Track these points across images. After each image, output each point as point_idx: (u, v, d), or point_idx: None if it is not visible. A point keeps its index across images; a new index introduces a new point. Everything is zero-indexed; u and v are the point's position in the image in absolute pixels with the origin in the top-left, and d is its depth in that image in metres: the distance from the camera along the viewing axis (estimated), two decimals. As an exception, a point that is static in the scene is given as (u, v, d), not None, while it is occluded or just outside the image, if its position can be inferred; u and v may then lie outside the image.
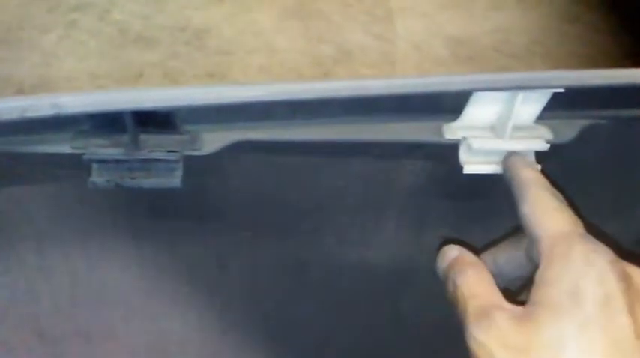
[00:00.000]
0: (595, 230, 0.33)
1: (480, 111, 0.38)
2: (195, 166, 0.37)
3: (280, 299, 0.52)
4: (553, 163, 0.38)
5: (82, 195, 0.42)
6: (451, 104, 0.39)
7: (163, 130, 0.35)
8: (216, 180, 0.42)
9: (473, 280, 0.34)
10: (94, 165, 0.34)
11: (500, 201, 0.49)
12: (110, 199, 0.42)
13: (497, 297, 0.32)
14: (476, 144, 0.38)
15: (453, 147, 0.40)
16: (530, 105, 0.37)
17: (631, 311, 0.29)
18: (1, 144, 0.35)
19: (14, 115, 0.29)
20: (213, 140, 0.36)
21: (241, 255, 0.49)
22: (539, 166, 0.38)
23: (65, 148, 0.34)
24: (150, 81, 1.11)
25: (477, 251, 0.37)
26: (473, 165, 0.39)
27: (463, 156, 0.39)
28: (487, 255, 0.38)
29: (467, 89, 0.36)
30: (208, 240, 0.47)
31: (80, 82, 1.10)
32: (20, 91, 1.08)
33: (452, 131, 0.39)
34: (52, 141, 0.35)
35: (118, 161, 0.34)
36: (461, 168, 0.40)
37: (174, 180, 0.35)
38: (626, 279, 0.30)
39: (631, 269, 0.31)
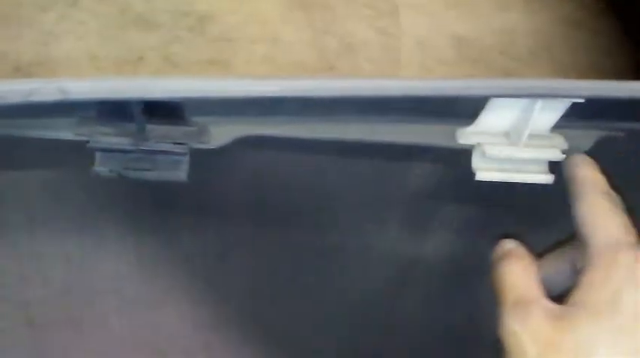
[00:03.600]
0: None
1: (496, 117, 0.37)
2: (199, 159, 0.36)
3: (277, 297, 0.51)
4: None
5: (79, 183, 0.41)
6: (466, 108, 0.38)
7: (171, 121, 0.34)
8: (220, 174, 0.41)
9: (517, 271, 0.34)
10: (98, 154, 0.33)
11: (508, 210, 0.48)
12: (109, 187, 0.41)
13: (538, 292, 0.33)
14: (490, 151, 0.37)
15: (464, 153, 0.39)
16: (547, 114, 0.37)
17: None
18: (1, 127, 0.34)
19: (17, 99, 0.28)
20: (220, 133, 0.35)
21: (240, 252, 0.48)
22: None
23: (68, 134, 0.33)
24: (150, 64, 1.08)
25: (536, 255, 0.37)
26: (486, 172, 0.38)
27: (476, 162, 0.38)
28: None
29: (485, 94, 0.35)
30: (208, 234, 0.46)
31: (79, 62, 1.07)
32: (17, 69, 1.05)
33: (466, 136, 0.38)
34: (55, 127, 0.33)
35: (122, 151, 0.33)
36: (471, 174, 0.39)
37: (180, 173, 0.34)
38: None
39: None
